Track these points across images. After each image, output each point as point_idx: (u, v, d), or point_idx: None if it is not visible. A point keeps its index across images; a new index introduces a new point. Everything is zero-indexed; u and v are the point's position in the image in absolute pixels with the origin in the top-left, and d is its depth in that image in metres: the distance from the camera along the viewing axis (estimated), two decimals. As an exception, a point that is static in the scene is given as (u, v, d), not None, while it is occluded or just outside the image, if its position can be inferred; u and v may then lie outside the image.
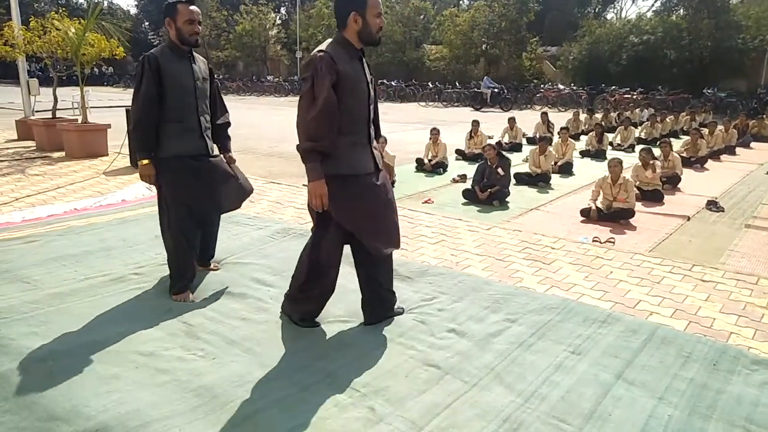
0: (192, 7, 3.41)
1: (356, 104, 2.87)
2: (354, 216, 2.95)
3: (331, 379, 2.67)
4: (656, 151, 8.40)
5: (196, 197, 3.54)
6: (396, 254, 4.57)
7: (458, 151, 10.24)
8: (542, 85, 26.59)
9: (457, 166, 9.14)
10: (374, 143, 3.06)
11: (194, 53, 3.59)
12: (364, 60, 2.95)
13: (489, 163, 6.89)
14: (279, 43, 40.79)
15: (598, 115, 15.25)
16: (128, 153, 8.48)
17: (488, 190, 6.63)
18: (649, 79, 23.21)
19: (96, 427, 2.24)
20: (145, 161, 3.41)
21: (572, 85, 25.13)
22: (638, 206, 6.39)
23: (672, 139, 9.62)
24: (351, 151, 2.89)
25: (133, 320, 3.22)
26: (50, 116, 9.86)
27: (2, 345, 2.87)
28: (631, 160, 8.03)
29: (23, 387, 2.52)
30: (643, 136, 12.89)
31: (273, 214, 5.81)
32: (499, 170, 6.77)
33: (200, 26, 3.49)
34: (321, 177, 2.77)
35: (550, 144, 8.90)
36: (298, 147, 2.82)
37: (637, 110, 17.37)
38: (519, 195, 7.09)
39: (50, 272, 3.90)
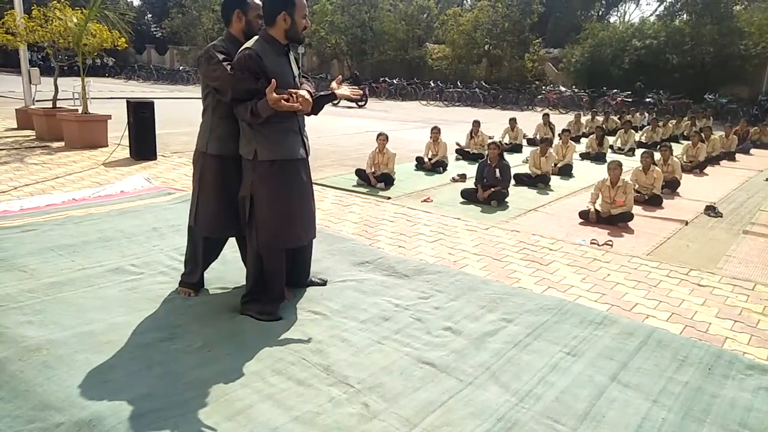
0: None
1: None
2: (281, 201, 3.12)
3: (326, 374, 2.67)
4: (656, 156, 8.40)
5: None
6: (394, 252, 4.60)
7: (458, 151, 10.24)
8: (544, 87, 26.57)
9: (456, 166, 9.14)
10: (305, 132, 3.30)
11: None
12: (290, 55, 3.19)
13: (489, 162, 6.89)
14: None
15: (600, 118, 15.26)
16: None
17: (490, 189, 6.62)
18: (650, 84, 23.21)
19: (89, 416, 2.24)
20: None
21: (574, 87, 25.09)
22: (637, 210, 6.39)
23: (672, 144, 9.62)
24: (285, 137, 3.12)
25: (128, 311, 3.22)
26: (51, 106, 9.83)
27: (-3, 333, 2.87)
28: (630, 164, 8.02)
29: (18, 375, 2.51)
30: (643, 140, 12.89)
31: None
32: (497, 172, 6.76)
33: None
34: (263, 101, 2.88)
35: (551, 145, 8.89)
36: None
37: (638, 114, 17.36)
38: (518, 196, 7.09)
39: (47, 261, 3.90)
